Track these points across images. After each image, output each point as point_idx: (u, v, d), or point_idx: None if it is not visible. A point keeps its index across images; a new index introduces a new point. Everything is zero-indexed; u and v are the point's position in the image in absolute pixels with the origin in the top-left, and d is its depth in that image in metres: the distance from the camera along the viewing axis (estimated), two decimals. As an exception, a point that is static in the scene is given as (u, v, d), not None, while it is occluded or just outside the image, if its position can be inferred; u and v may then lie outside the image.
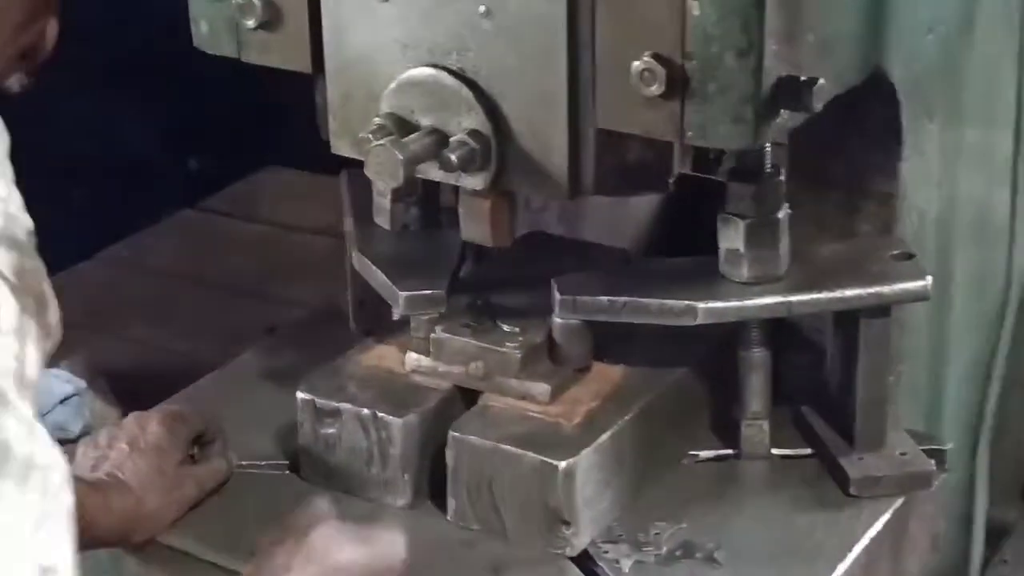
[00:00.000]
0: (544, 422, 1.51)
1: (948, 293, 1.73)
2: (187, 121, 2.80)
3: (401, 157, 1.37)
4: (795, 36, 1.34)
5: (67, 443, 1.99)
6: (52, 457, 0.99)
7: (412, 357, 1.58)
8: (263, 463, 1.62)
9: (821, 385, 1.65)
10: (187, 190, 2.87)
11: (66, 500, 0.99)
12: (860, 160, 1.61)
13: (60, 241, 2.56)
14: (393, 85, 1.44)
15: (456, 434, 1.49)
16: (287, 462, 1.62)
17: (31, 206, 1.17)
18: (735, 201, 1.52)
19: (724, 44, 1.31)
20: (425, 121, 1.43)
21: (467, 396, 1.57)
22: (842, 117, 1.48)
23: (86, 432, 2.01)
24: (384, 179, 1.39)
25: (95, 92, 2.63)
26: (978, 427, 1.83)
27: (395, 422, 1.52)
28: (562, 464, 1.45)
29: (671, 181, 1.47)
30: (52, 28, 1.24)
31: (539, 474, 1.46)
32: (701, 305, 1.50)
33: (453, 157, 1.39)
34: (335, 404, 1.55)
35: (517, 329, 1.56)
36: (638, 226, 1.86)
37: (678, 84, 1.32)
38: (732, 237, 1.52)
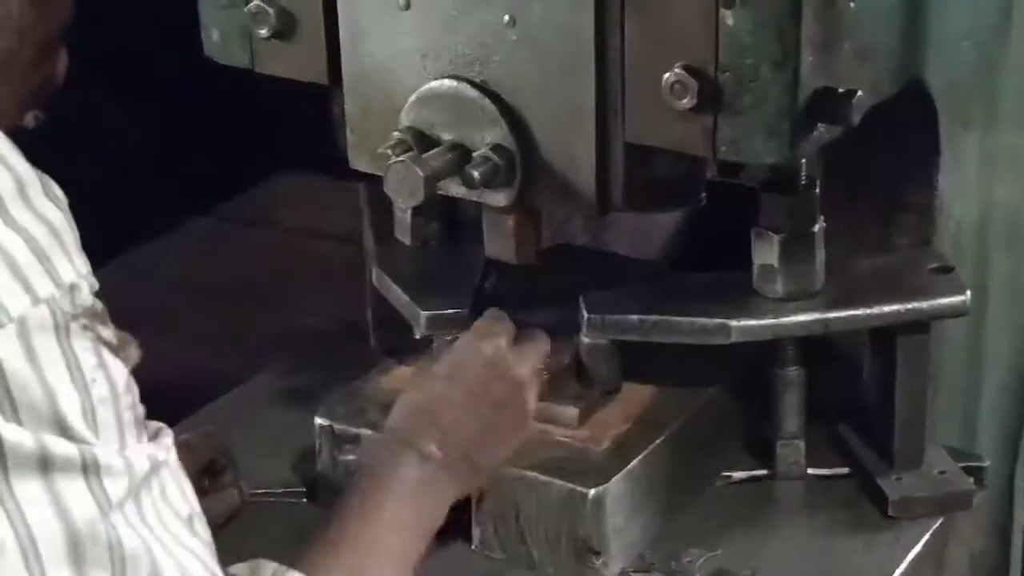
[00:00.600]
0: (572, 447, 1.45)
1: (984, 303, 1.67)
2: (196, 124, 2.75)
3: (422, 174, 1.32)
4: (832, 46, 1.28)
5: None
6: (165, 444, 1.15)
7: (434, 379, 1.53)
8: (280, 491, 1.56)
9: (858, 402, 1.60)
10: (198, 195, 2.82)
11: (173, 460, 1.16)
12: (896, 171, 1.55)
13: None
14: (413, 98, 1.39)
15: (481, 460, 1.44)
16: (304, 489, 1.56)
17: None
18: (768, 215, 1.46)
19: (759, 55, 1.25)
20: (447, 135, 1.38)
21: (492, 418, 1.52)
22: (877, 127, 1.42)
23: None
24: (404, 197, 1.33)
25: (101, 92, 2.59)
26: (1016, 439, 1.78)
27: (416, 449, 1.47)
28: (591, 492, 1.40)
29: (702, 196, 1.42)
30: (62, 61, 1.22)
31: (567, 502, 1.41)
32: (735, 323, 1.45)
33: (476, 174, 1.34)
34: (354, 430, 1.49)
35: (544, 349, 1.51)
36: (666, 235, 1.81)
37: (711, 97, 1.27)
38: (766, 252, 1.47)
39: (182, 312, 2.46)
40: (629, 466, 1.43)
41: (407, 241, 1.62)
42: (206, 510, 1.49)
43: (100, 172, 2.61)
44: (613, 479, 1.41)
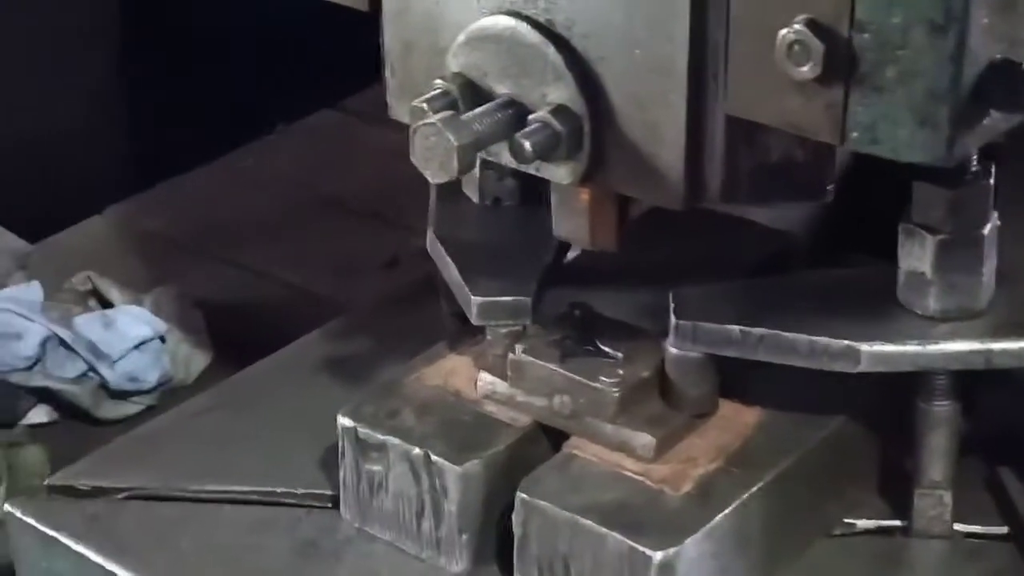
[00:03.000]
0: (643, 487, 1.14)
1: None
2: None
3: (456, 143, 1.01)
4: (1018, 1, 0.93)
5: (141, 394, 1.75)
6: None
7: (486, 380, 1.23)
8: (301, 492, 1.29)
9: (1028, 440, 1.26)
10: (325, 85, 2.55)
11: None
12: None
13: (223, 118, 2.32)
14: (462, 38, 1.08)
15: (525, 496, 1.14)
16: (332, 493, 1.29)
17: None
18: (923, 208, 1.12)
19: (911, 13, 0.91)
20: (501, 88, 1.07)
21: (554, 433, 1.22)
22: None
23: (164, 382, 1.74)
24: (434, 170, 1.03)
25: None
26: None
27: (452, 470, 1.18)
28: (658, 556, 1.09)
29: (830, 188, 1.08)
30: None
31: (628, 563, 1.10)
32: (866, 348, 1.12)
33: (527, 144, 1.03)
34: (380, 437, 1.21)
35: (621, 354, 1.19)
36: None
37: (841, 65, 0.93)
38: (917, 256, 1.13)
39: (284, 222, 2.19)
40: (713, 521, 1.12)
41: (475, 198, 1.32)
42: None
43: (219, 59, 2.38)
44: (690, 539, 1.10)
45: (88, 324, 1.77)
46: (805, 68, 0.94)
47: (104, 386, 1.72)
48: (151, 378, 1.74)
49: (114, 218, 2.15)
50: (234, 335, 1.85)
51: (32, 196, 2.19)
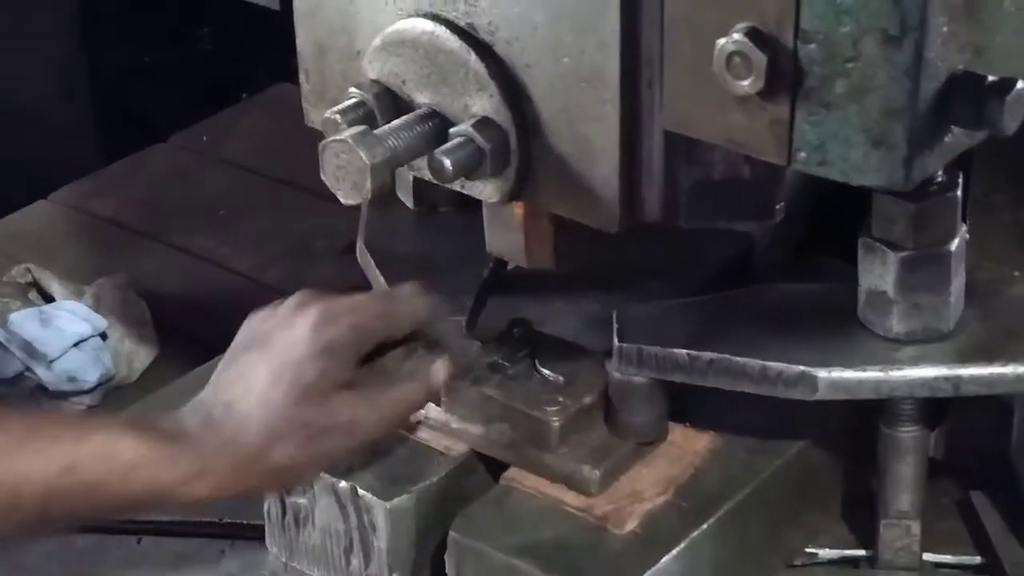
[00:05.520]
0: (585, 525, 1.06)
1: None
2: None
3: (368, 162, 0.92)
4: (982, 5, 0.84)
5: (81, 395, 1.67)
6: None
7: (418, 404, 1.15)
8: (225, 521, 1.19)
9: (1003, 463, 1.17)
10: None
11: None
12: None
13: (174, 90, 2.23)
14: (377, 42, 0.98)
15: (458, 535, 1.06)
16: (259, 523, 1.19)
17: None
18: (884, 223, 1.03)
19: (862, 22, 0.82)
20: (421, 97, 0.97)
21: (492, 461, 1.14)
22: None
23: (106, 381, 1.66)
24: (345, 190, 0.94)
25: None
26: None
27: (380, 505, 1.09)
28: (598, 603, 1.02)
29: (780, 207, 0.98)
30: None
31: (566, 610, 1.03)
32: (824, 374, 1.03)
33: (447, 162, 0.94)
34: (305, 467, 1.13)
35: (562, 378, 1.11)
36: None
37: (786, 79, 0.84)
38: (878, 273, 1.04)
39: (238, 203, 2.10)
40: (660, 563, 1.03)
41: (409, 204, 1.23)
42: (352, 411, 1.05)
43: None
44: (633, 583, 1.03)
45: (24, 322, 1.69)
46: (746, 82, 0.84)
47: (42, 387, 1.64)
48: (91, 377, 1.66)
49: (61, 202, 2.07)
50: (183, 328, 1.77)
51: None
